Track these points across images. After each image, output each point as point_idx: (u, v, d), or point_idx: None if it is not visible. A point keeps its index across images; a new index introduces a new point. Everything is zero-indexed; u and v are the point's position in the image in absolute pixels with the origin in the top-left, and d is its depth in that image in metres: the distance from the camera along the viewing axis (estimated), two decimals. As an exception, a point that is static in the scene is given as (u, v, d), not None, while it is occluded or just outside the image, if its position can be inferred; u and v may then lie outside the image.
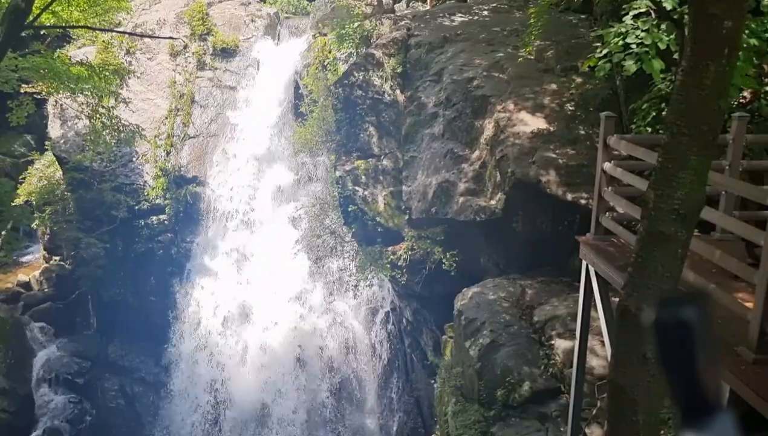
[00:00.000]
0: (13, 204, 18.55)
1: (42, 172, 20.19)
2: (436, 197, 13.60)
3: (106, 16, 17.56)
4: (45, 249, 21.00)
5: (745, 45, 8.32)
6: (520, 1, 16.89)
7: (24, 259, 21.92)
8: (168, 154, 19.27)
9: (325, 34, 18.88)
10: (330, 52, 18.43)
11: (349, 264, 17.64)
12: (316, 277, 18.24)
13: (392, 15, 18.04)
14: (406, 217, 14.40)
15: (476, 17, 16.32)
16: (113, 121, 16.88)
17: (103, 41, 19.57)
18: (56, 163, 19.59)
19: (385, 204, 14.94)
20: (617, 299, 6.16)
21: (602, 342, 9.45)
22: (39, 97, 16.85)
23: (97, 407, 19.24)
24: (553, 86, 13.30)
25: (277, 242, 18.67)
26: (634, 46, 9.24)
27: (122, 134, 17.52)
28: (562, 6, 14.88)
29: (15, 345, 18.76)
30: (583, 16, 14.85)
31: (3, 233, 18.50)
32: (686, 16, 6.77)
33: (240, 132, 19.73)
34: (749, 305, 6.05)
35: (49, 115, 19.55)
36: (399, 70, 15.12)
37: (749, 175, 8.44)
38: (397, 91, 15.12)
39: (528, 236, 12.74)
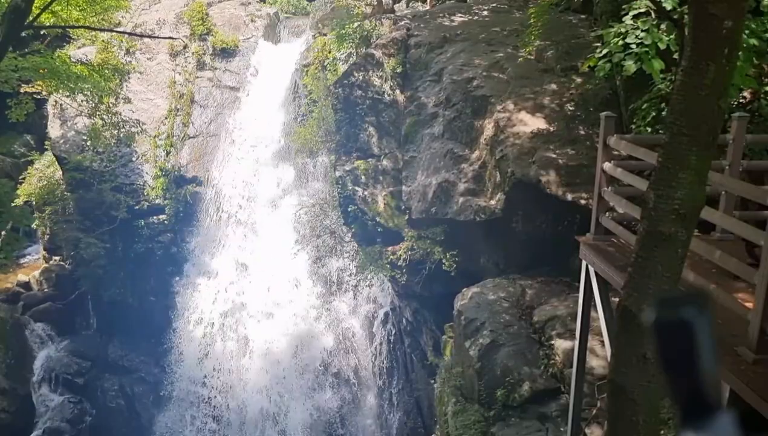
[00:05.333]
0: (13, 204, 18.54)
1: (42, 172, 20.19)
2: (436, 197, 13.60)
3: (105, 15, 17.56)
4: (45, 249, 20.99)
5: (745, 45, 8.32)
6: (520, 1, 16.89)
7: (24, 259, 21.91)
8: (168, 154, 19.26)
9: (324, 34, 18.88)
10: (330, 52, 18.43)
11: (349, 264, 17.64)
12: (316, 277, 18.24)
13: (392, 15, 18.03)
14: (406, 217, 14.39)
15: (476, 17, 16.33)
16: (114, 117, 16.87)
17: (103, 41, 19.57)
18: (56, 163, 19.58)
19: (385, 204, 14.94)
20: (617, 299, 6.16)
21: (602, 342, 9.45)
22: (39, 96, 16.85)
23: (97, 407, 19.24)
24: (553, 86, 13.30)
25: (276, 241, 18.67)
26: (634, 46, 9.24)
27: (123, 131, 17.51)
28: (562, 6, 14.88)
29: (15, 345, 18.77)
30: (583, 16, 14.85)
31: (3, 233, 18.49)
32: (686, 16, 6.76)
33: (239, 132, 19.73)
34: (749, 305, 6.05)
35: (49, 115, 19.54)
36: (399, 70, 15.12)
37: (749, 175, 8.44)
38: (397, 91, 15.12)
39: (528, 236, 12.74)
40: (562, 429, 9.91)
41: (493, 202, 12.75)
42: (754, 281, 5.81)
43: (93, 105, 16.41)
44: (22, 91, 15.91)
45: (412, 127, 14.58)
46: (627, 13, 9.82)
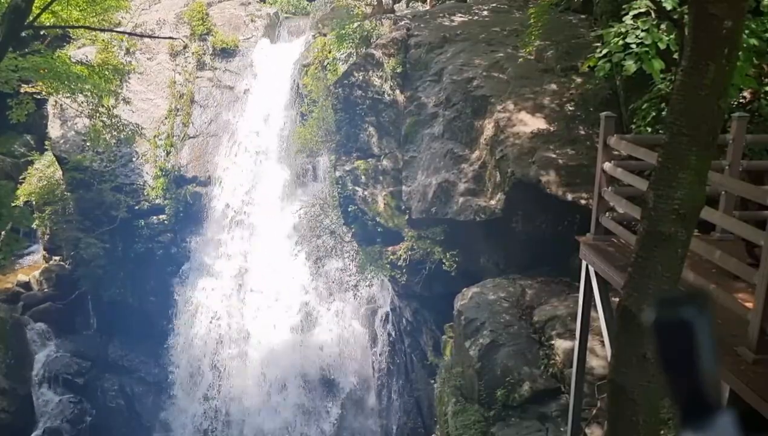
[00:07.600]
0: (13, 205, 18.54)
1: (42, 172, 20.19)
2: (436, 197, 13.60)
3: (105, 15, 17.55)
4: (45, 249, 20.99)
5: (745, 45, 8.32)
6: (520, 1, 16.89)
7: (24, 259, 21.91)
8: (168, 154, 19.27)
9: (324, 34, 18.88)
10: (330, 52, 18.42)
11: (349, 264, 17.63)
12: (316, 277, 18.24)
13: (392, 15, 18.03)
14: (406, 217, 14.40)
15: (476, 17, 16.33)
16: (113, 120, 16.88)
17: (103, 41, 19.57)
18: (56, 163, 19.59)
19: (385, 204, 14.94)
20: (617, 299, 6.16)
21: (602, 342, 9.45)
22: (39, 97, 16.85)
23: (97, 407, 19.24)
24: (553, 86, 13.31)
25: (276, 241, 18.67)
26: (634, 46, 9.24)
27: (122, 134, 17.52)
28: (562, 6, 14.87)
29: (15, 345, 18.75)
30: (583, 16, 14.86)
31: (3, 233, 18.48)
32: (686, 16, 6.77)
33: (239, 132, 19.73)
34: (749, 305, 6.05)
35: (49, 115, 19.54)
36: (399, 70, 15.12)
37: (749, 175, 8.45)
38: (397, 91, 15.12)
39: (528, 236, 12.74)
40: (562, 429, 9.91)
41: (493, 202, 12.76)
42: (754, 281, 5.80)
43: (93, 106, 16.41)
44: (22, 91, 15.91)
45: (412, 127, 14.58)
46: (627, 13, 9.82)
